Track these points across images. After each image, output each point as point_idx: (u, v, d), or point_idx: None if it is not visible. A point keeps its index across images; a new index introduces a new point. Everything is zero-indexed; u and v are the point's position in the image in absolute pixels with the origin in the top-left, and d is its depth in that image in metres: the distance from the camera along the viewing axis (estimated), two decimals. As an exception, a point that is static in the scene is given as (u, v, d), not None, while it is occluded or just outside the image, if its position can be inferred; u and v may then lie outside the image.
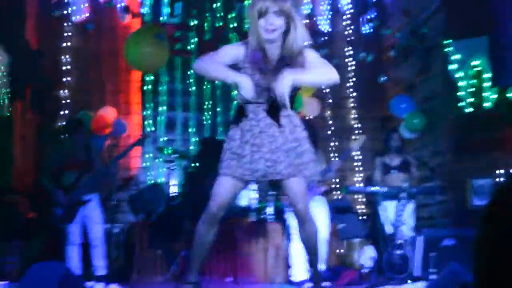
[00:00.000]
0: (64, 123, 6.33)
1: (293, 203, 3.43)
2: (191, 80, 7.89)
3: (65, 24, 7.52)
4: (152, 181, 7.37)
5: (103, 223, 5.94)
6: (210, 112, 7.90)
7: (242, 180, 3.36)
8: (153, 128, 7.73)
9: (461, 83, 6.34)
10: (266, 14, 3.16)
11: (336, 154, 7.59)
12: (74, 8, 7.52)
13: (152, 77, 7.74)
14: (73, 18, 7.51)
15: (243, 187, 3.46)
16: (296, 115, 3.41)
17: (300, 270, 5.62)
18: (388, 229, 6.05)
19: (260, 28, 3.19)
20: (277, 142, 3.27)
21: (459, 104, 6.32)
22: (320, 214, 5.73)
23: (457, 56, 6.38)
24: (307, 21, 7.99)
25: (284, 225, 6.00)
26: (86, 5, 7.57)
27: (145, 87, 7.76)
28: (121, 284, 4.24)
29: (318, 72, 3.25)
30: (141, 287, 5.31)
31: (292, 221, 5.58)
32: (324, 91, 8.01)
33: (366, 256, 6.00)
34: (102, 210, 5.96)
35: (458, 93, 6.33)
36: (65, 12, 7.46)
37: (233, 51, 3.33)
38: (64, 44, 7.55)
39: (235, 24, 7.97)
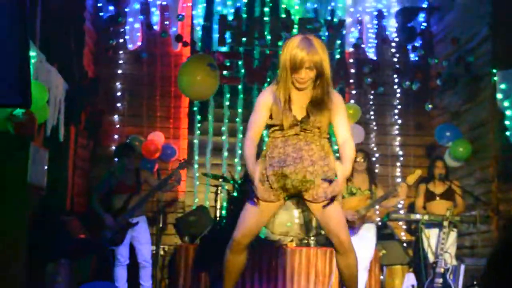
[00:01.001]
0: (115, 147, 6.59)
1: (334, 234, 3.41)
2: (238, 106, 8.06)
3: (120, 52, 7.86)
4: (198, 205, 7.53)
5: (150, 244, 6.13)
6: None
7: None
8: (198, 153, 7.90)
9: (507, 112, 6.28)
10: (301, 68, 3.29)
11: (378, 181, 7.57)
12: (129, 37, 7.85)
13: (199, 103, 7.96)
14: (128, 47, 7.84)
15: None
16: (327, 142, 3.46)
17: None
18: (430, 257, 6.00)
19: (293, 79, 3.34)
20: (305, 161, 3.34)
21: (506, 133, 6.25)
22: (368, 241, 5.74)
23: (503, 86, 6.33)
24: (353, 49, 8.07)
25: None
26: (140, 34, 7.89)
27: (193, 113, 7.99)
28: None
29: (350, 154, 3.36)
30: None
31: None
32: (368, 117, 8.04)
33: (408, 283, 5.96)
34: (149, 232, 6.15)
35: (505, 122, 6.27)
36: (120, 40, 7.80)
37: (264, 107, 3.43)
38: (119, 71, 7.88)
39: (283, 52, 8.10)
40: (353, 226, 5.65)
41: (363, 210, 5.75)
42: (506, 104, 6.27)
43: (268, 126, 3.47)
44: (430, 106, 7.67)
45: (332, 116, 3.41)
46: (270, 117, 3.43)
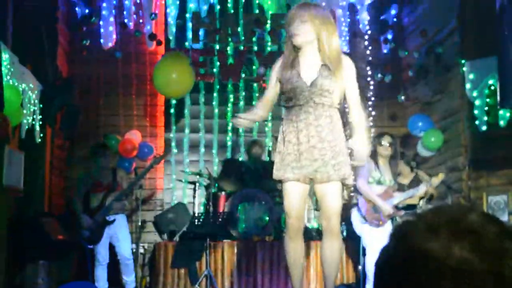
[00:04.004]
0: (90, 147, 6.59)
1: (326, 217, 3.50)
2: (213, 103, 8.08)
3: (95, 51, 7.82)
4: (176, 202, 7.55)
5: (130, 241, 6.15)
6: (231, 134, 8.06)
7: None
8: (175, 150, 7.93)
9: (476, 102, 6.39)
10: (294, 21, 3.45)
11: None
12: (103, 36, 7.82)
13: (175, 101, 7.97)
14: (103, 46, 7.81)
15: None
16: (337, 113, 3.60)
17: None
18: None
19: (292, 38, 3.47)
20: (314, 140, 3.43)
21: (475, 122, 6.36)
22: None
23: (472, 76, 6.43)
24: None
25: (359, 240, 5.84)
26: (114, 33, 7.86)
27: (169, 111, 7.99)
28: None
29: (362, 121, 3.65)
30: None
31: (366, 235, 5.59)
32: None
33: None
34: (128, 230, 6.17)
35: (474, 112, 6.37)
36: (94, 40, 7.76)
37: (273, 77, 3.62)
38: (94, 71, 7.85)
39: (256, 48, 8.15)
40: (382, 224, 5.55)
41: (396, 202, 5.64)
42: (474, 94, 6.37)
43: (282, 97, 3.57)
44: (402, 97, 7.77)
45: (344, 82, 3.51)
46: (282, 87, 3.53)
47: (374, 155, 5.76)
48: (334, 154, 3.44)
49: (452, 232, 0.81)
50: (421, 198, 6.07)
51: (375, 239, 5.50)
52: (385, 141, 5.79)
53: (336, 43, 3.50)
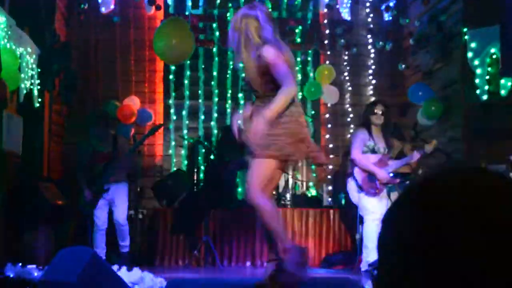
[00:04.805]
0: (88, 116, 6.55)
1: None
2: (213, 70, 8.02)
3: (93, 16, 7.72)
4: (175, 168, 7.55)
5: (127, 205, 6.17)
6: (230, 101, 8.01)
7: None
8: (175, 117, 7.90)
9: (478, 71, 6.34)
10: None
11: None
12: (101, 0, 7.71)
13: (174, 67, 7.90)
14: (101, 10, 7.70)
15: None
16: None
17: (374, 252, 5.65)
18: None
19: None
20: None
21: (476, 91, 6.32)
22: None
23: (474, 44, 6.36)
24: (326, 10, 8.04)
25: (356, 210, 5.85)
26: (113, -3, 7.75)
27: (168, 77, 7.93)
28: (143, 268, 4.42)
29: (281, 98, 3.59)
30: (164, 271, 5.50)
31: (363, 203, 5.61)
32: (343, 78, 8.08)
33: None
34: (127, 195, 6.18)
35: (475, 81, 6.33)
36: (93, 4, 7.65)
37: None
38: (92, 36, 7.76)
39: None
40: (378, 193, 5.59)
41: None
42: (476, 62, 6.32)
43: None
44: (403, 66, 7.71)
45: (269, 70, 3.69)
46: None
47: (367, 124, 5.75)
48: None
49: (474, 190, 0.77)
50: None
51: (371, 208, 5.53)
52: (378, 110, 5.77)
53: (252, 40, 3.81)
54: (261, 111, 3.61)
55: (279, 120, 3.61)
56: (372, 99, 8.10)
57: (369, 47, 8.12)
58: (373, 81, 8.15)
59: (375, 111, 5.76)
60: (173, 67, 7.91)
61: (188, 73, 8.00)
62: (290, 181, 7.31)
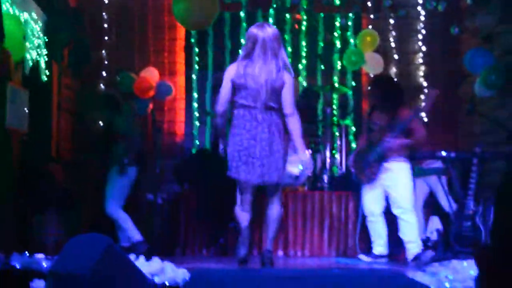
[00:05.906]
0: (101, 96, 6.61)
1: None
2: (241, 37, 7.96)
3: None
4: (199, 148, 7.54)
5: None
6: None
7: None
8: (197, 91, 7.88)
9: (546, 34, 6.17)
10: None
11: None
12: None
13: (197, 34, 7.87)
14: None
15: None
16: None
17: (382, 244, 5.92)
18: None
19: None
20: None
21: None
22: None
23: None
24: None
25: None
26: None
27: (190, 46, 7.91)
28: (163, 258, 4.41)
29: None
30: (186, 261, 5.49)
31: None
32: (388, 45, 7.95)
33: (432, 227, 6.01)
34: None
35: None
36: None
37: None
38: (105, 0, 7.75)
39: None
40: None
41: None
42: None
43: None
44: (457, 29, 7.53)
45: None
46: None
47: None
48: None
49: None
50: None
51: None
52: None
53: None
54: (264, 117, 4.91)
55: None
56: (422, 68, 7.97)
57: (419, 8, 7.96)
58: (423, 48, 7.99)
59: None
60: (195, 34, 7.87)
61: (211, 41, 7.96)
62: (328, 161, 7.27)
